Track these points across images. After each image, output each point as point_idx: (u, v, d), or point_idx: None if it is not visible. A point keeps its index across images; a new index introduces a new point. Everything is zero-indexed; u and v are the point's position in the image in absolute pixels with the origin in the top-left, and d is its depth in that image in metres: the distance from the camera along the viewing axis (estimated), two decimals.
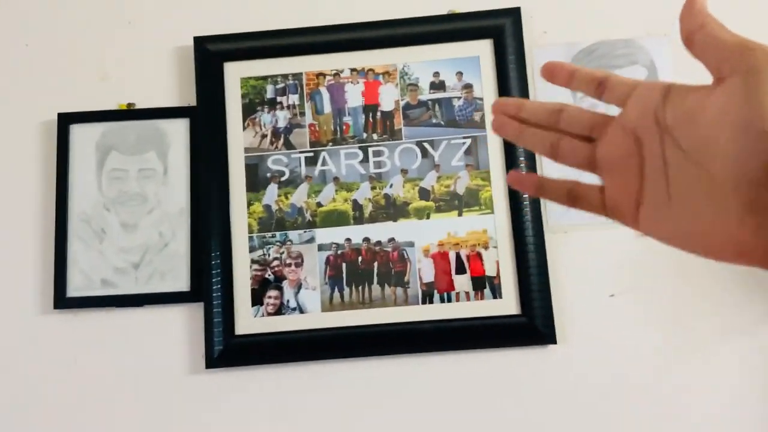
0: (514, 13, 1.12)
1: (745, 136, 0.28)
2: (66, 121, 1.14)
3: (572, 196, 0.38)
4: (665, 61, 1.11)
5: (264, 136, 1.13)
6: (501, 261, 1.07)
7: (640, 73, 1.11)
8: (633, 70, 1.11)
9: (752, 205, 0.28)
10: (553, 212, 1.09)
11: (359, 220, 1.10)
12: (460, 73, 1.13)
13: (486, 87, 1.12)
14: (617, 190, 0.35)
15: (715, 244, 0.31)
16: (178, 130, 1.14)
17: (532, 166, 1.08)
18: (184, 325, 1.09)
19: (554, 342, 1.03)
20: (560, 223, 1.09)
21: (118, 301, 1.09)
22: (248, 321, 1.07)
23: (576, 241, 1.08)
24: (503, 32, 1.11)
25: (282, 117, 1.14)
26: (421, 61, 1.13)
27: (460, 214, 1.09)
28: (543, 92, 1.12)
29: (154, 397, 1.07)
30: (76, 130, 1.14)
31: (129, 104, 1.16)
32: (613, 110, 0.36)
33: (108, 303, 1.09)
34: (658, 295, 1.06)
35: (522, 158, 1.08)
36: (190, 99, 1.15)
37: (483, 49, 1.13)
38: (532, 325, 1.03)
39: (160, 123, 1.15)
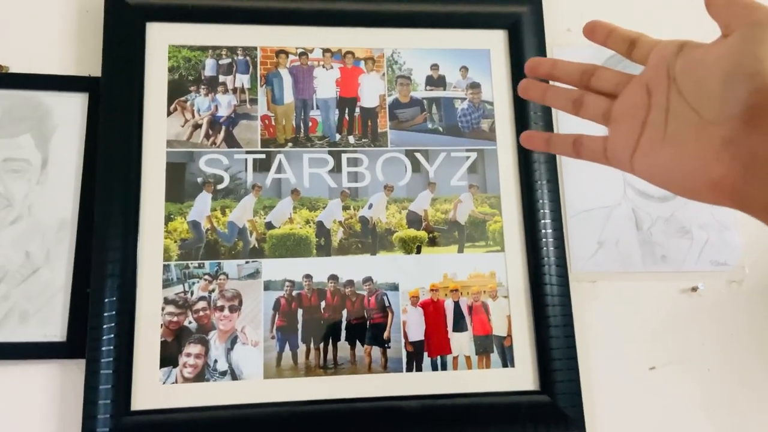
0: (535, 2, 0.88)
1: (733, 78, 0.32)
2: None
3: (577, 146, 0.42)
4: None
5: (197, 126, 0.81)
6: (514, 316, 0.80)
7: None
8: None
9: (729, 140, 0.32)
10: (577, 256, 0.84)
11: (325, 250, 0.79)
12: (465, 69, 0.87)
13: (498, 88, 0.87)
14: (620, 137, 0.39)
15: (694, 181, 0.34)
16: (70, 109, 0.80)
17: (553, 190, 0.83)
18: (53, 392, 0.72)
19: (582, 429, 0.76)
20: (586, 270, 0.84)
21: None
22: (153, 390, 0.72)
23: (606, 294, 0.83)
24: (520, 23, 0.88)
25: (225, 103, 0.82)
26: (416, 48, 0.87)
27: (460, 250, 0.82)
28: None
29: None
30: None
31: None
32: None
33: None
34: (714, 369, 0.82)
35: (542, 180, 0.83)
36: (92, 68, 0.82)
37: (495, 42, 0.88)
38: (555, 406, 0.76)
39: (44, 96, 0.80)
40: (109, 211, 0.76)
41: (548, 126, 0.85)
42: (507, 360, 0.78)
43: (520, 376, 0.78)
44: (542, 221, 0.82)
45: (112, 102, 0.79)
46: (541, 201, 0.82)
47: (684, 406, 0.80)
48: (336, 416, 0.74)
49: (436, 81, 0.86)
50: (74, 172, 0.78)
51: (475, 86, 0.87)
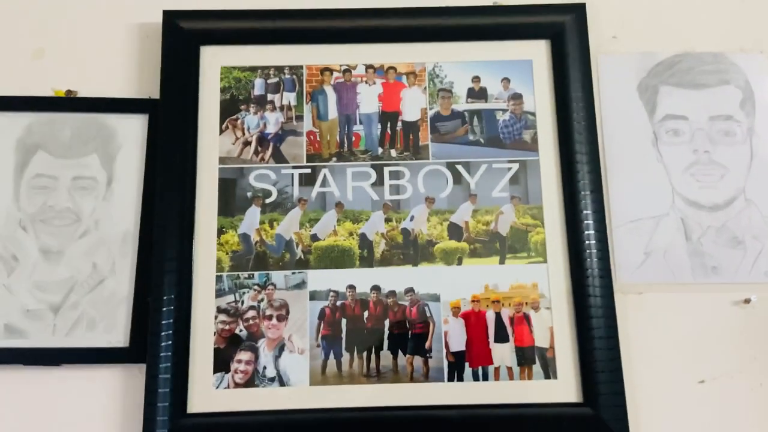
0: (578, 10, 0.88)
1: None
2: None
3: None
4: (762, 83, 0.88)
5: (247, 143, 0.85)
6: (556, 327, 0.80)
7: (732, 94, 0.87)
8: (724, 90, 0.87)
9: None
10: (623, 266, 0.83)
11: (368, 261, 0.82)
12: (506, 80, 0.87)
13: (540, 99, 0.87)
14: None
15: None
16: (132, 129, 0.86)
17: (597, 200, 0.82)
18: (116, 395, 0.78)
19: None
20: (633, 281, 0.82)
21: (27, 357, 0.78)
22: (207, 394, 0.77)
23: (653, 306, 0.82)
24: (563, 32, 0.87)
25: (273, 120, 0.86)
26: (458, 62, 0.88)
27: (502, 262, 0.82)
28: (610, 108, 0.87)
29: None
30: None
31: (68, 91, 0.87)
32: None
33: (11, 359, 0.78)
34: (767, 384, 0.79)
35: (585, 191, 0.82)
36: (151, 90, 0.87)
37: (537, 52, 0.88)
38: (598, 419, 0.76)
39: (109, 118, 0.86)
40: (167, 225, 0.81)
41: (592, 135, 0.84)
42: (549, 371, 0.78)
43: (563, 387, 0.78)
44: (586, 232, 0.81)
45: (170, 122, 0.84)
46: (584, 211, 0.82)
47: (734, 422, 0.78)
48: (379, 423, 0.76)
49: (477, 93, 0.87)
50: (136, 189, 0.84)
51: (516, 97, 0.87)
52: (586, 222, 0.81)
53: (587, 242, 0.81)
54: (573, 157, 0.84)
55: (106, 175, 0.84)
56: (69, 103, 0.86)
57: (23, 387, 0.77)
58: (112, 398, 0.78)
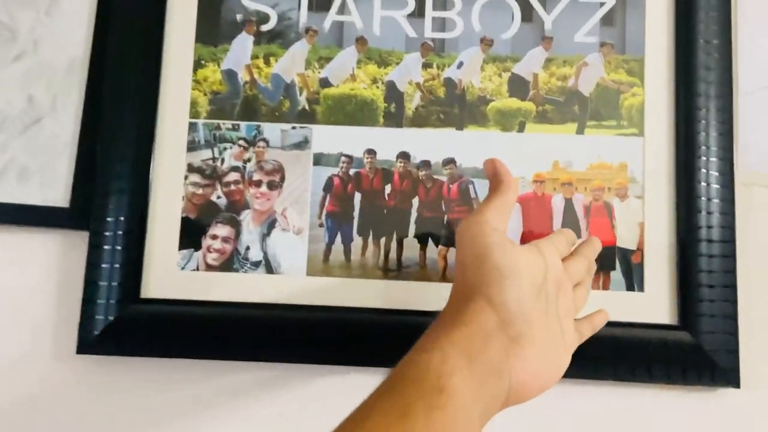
0: None
1: None
2: None
3: None
4: None
5: None
6: (649, 224, 0.58)
7: None
8: None
9: None
10: (751, 148, 0.59)
11: (395, 119, 0.60)
12: None
13: None
14: None
15: None
16: None
17: (724, 54, 0.58)
18: (52, 269, 0.59)
19: (736, 385, 0.55)
20: (763, 170, 0.59)
21: None
22: (169, 276, 0.57)
23: None
24: None
25: None
26: None
27: (580, 131, 0.60)
28: None
29: None
30: None
31: None
32: None
33: None
34: None
35: (708, 39, 0.58)
36: None
37: None
38: (698, 348, 0.55)
39: None
40: (124, 53, 0.59)
41: None
42: (634, 281, 0.57)
43: (652, 304, 0.57)
44: (702, 96, 0.58)
45: None
46: (704, 68, 0.58)
47: None
48: (396, 330, 0.56)
49: None
50: (89, 3, 0.62)
51: None
52: (704, 83, 0.58)
53: (704, 110, 0.58)
54: None
55: None
56: None
57: None
58: (47, 272, 0.59)
